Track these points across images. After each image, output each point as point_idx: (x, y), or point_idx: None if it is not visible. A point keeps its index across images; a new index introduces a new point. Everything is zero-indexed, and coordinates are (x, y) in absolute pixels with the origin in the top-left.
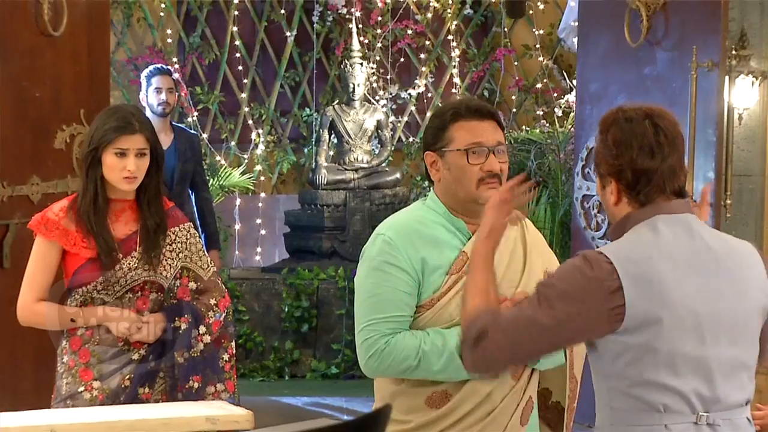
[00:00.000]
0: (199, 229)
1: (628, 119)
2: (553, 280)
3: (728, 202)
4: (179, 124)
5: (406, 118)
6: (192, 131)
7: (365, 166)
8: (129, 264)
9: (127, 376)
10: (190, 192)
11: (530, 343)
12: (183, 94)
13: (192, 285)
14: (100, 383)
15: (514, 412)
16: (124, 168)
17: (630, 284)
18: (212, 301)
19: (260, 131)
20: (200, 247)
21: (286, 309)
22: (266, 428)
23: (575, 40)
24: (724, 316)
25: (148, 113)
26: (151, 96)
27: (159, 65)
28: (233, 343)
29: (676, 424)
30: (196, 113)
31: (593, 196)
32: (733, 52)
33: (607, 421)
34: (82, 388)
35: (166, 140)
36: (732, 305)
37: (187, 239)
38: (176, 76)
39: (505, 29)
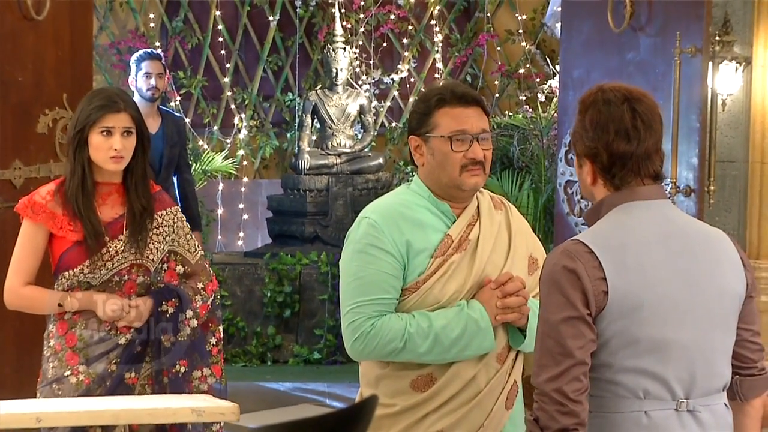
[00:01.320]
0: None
1: (606, 101)
2: (547, 302)
3: (711, 188)
4: (166, 108)
5: (389, 103)
6: (177, 115)
7: (348, 151)
8: (116, 247)
9: (114, 361)
10: (174, 175)
11: (581, 343)
12: (166, 79)
13: (179, 269)
14: (86, 367)
15: (499, 396)
16: (110, 147)
17: (611, 270)
18: (200, 285)
19: (243, 116)
20: (188, 231)
21: (269, 294)
22: (251, 413)
23: (558, 25)
24: (701, 302)
25: (137, 98)
26: (140, 80)
27: (149, 50)
28: (221, 327)
29: (656, 410)
30: (178, 97)
31: (576, 181)
32: (717, 38)
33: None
34: (68, 372)
35: (153, 125)
36: (708, 291)
37: (174, 223)
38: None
39: (488, 14)
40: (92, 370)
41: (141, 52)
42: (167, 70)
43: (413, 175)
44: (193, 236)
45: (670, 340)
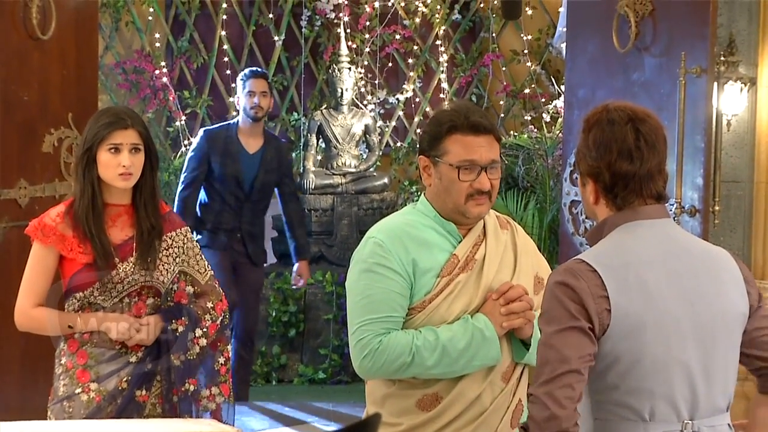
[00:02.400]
0: (289, 240)
1: (610, 121)
2: (548, 305)
3: (716, 208)
4: (272, 132)
5: (394, 123)
6: (283, 140)
7: (353, 170)
8: (126, 269)
9: (125, 378)
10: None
11: (579, 352)
12: (171, 98)
13: (189, 289)
14: (97, 385)
15: (504, 414)
16: (118, 164)
17: (614, 289)
18: (209, 305)
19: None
20: (197, 251)
21: (274, 313)
22: None
23: (563, 46)
24: (704, 321)
25: (241, 117)
26: (243, 99)
27: (254, 68)
28: (229, 347)
29: None
30: (184, 117)
31: (581, 201)
32: (722, 58)
33: None
34: (79, 390)
35: (254, 145)
36: (711, 310)
37: (184, 243)
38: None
39: (493, 34)
40: (103, 388)
41: (247, 70)
42: (273, 90)
43: (418, 195)
44: (202, 257)
45: (674, 359)
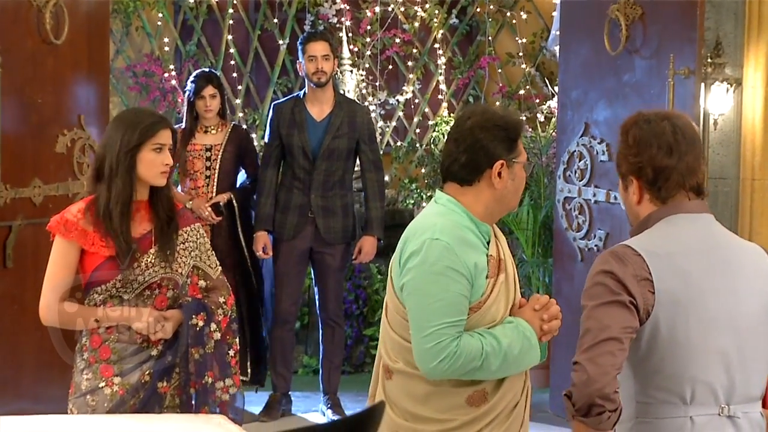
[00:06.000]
0: (365, 211)
1: (646, 120)
2: (591, 282)
3: None
4: (349, 98)
5: (394, 123)
6: (362, 105)
7: (355, 169)
8: (147, 261)
9: (147, 372)
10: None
11: (619, 323)
12: (180, 101)
13: (201, 283)
14: (120, 379)
15: (526, 403)
16: (162, 163)
17: (658, 275)
18: (221, 299)
19: (254, 136)
20: (208, 246)
21: None
22: (259, 422)
23: (557, 48)
24: (740, 313)
25: (307, 83)
26: (305, 65)
27: (313, 30)
28: (237, 339)
29: (700, 415)
30: None
31: (574, 198)
32: (709, 59)
33: (632, 415)
34: (102, 384)
35: (322, 111)
36: (746, 303)
37: (197, 239)
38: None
39: (490, 38)
40: (126, 382)
41: (306, 32)
42: (336, 51)
43: (418, 193)
44: (213, 252)
45: (712, 347)
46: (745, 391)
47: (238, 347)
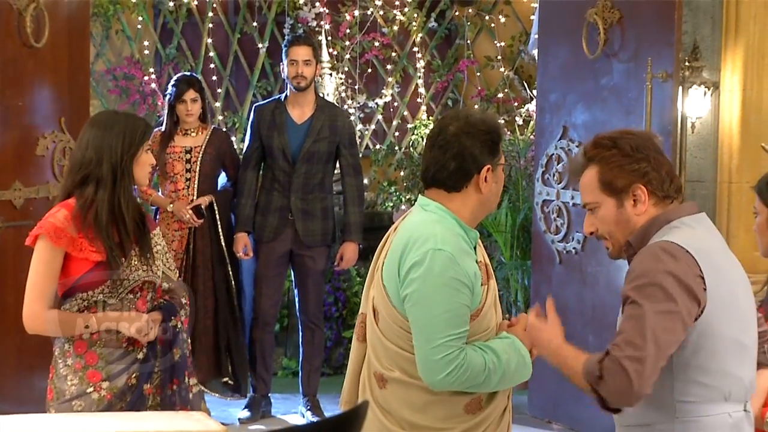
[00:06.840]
0: (344, 216)
1: (628, 132)
2: (648, 280)
3: None
4: (332, 102)
5: (373, 126)
6: (344, 109)
7: (335, 172)
8: (131, 264)
9: (134, 375)
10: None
11: (672, 339)
12: (159, 103)
13: (165, 285)
14: (108, 383)
15: (509, 407)
16: (149, 163)
17: (706, 271)
18: (183, 301)
19: (234, 138)
20: (167, 249)
21: None
22: (241, 425)
23: (536, 52)
24: (748, 307)
25: (288, 87)
26: (286, 68)
27: (297, 34)
28: (189, 339)
29: (736, 412)
30: None
31: (552, 200)
32: (686, 63)
33: (672, 416)
34: (90, 389)
35: (302, 115)
36: (749, 298)
37: (161, 242)
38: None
39: (468, 41)
40: (114, 386)
41: (290, 36)
42: (318, 56)
43: (397, 196)
44: (171, 255)
45: (743, 343)
46: (753, 386)
47: (190, 344)
